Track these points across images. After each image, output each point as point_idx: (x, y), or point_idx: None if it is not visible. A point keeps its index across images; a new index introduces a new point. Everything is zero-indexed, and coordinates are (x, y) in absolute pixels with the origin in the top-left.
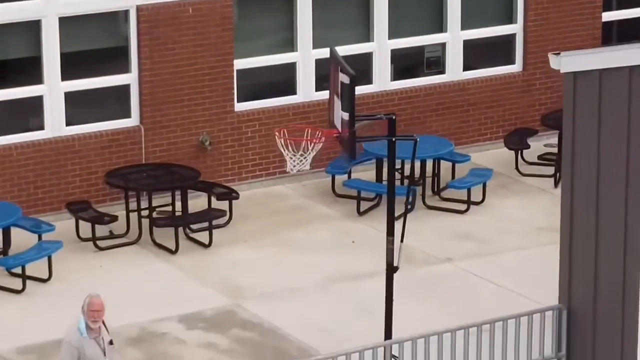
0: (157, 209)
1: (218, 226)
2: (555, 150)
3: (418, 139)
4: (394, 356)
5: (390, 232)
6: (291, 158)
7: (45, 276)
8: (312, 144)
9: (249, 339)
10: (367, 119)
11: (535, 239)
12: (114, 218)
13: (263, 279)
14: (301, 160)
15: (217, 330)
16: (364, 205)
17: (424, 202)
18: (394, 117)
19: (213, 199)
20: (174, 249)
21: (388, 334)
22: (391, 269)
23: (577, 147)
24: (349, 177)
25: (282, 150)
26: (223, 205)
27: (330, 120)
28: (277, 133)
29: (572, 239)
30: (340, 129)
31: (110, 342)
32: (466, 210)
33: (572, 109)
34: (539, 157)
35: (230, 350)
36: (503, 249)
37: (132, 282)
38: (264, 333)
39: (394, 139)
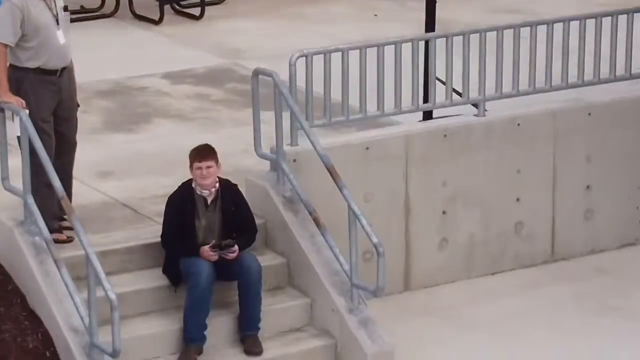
0: None
1: (212, 2)
2: None
3: None
4: (442, 81)
5: None
6: None
7: None
8: None
9: (250, 91)
10: None
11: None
12: None
13: (268, 43)
14: None
15: (211, 85)
16: None
17: None
18: None
19: None
20: (157, 20)
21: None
22: None
23: None
24: None
25: None
26: None
27: None
28: None
29: None
30: None
31: (65, 8)
32: None
33: None
34: None
35: (226, 100)
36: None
37: (106, 47)
38: (267, 84)
39: None
